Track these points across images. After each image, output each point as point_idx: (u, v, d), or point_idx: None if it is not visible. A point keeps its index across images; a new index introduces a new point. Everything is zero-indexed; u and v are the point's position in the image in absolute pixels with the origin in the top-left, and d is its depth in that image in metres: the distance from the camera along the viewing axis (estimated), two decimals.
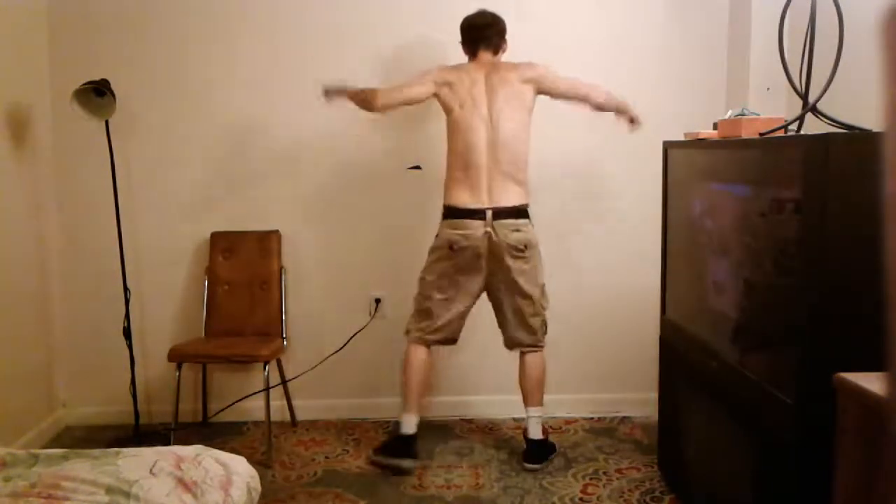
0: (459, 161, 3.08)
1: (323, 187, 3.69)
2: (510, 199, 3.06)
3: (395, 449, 3.17)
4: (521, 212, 3.09)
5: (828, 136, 1.91)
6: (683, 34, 3.63)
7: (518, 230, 3.07)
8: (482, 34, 3.15)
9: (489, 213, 3.03)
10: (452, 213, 3.08)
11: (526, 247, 3.09)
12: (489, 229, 3.03)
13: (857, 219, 1.80)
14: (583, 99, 3.18)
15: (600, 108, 3.20)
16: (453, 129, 3.10)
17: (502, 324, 3.23)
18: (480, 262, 3.08)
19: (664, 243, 3.00)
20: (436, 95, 3.12)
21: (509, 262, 3.08)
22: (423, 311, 3.19)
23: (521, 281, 3.12)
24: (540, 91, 3.14)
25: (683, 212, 2.83)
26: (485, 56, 3.15)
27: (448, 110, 3.12)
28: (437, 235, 3.16)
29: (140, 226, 3.65)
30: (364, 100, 3.09)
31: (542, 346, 3.23)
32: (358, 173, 3.66)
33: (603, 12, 3.63)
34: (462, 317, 3.20)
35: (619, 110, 3.21)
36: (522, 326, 3.18)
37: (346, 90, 3.09)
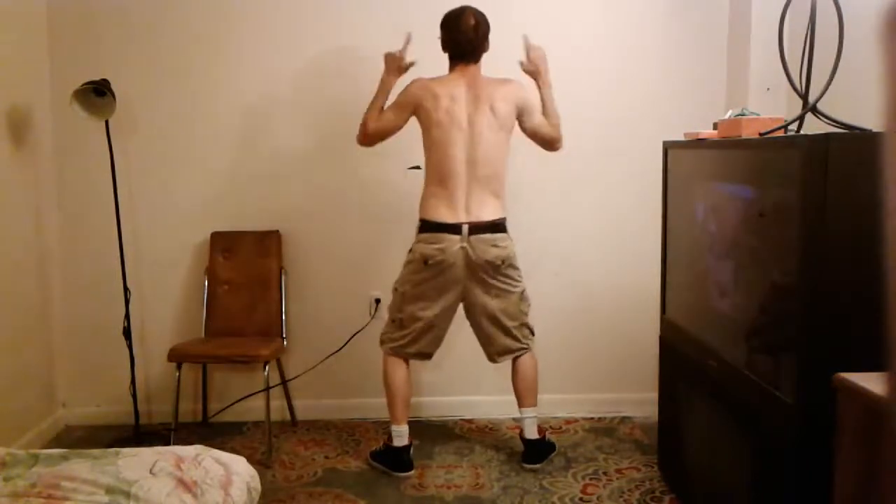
0: (437, 175, 3.04)
1: (323, 187, 3.69)
2: (488, 213, 3.03)
3: (392, 461, 3.17)
4: (498, 226, 3.05)
5: (828, 136, 1.91)
6: (683, 34, 3.62)
7: (496, 245, 3.03)
8: (466, 48, 3.05)
9: (465, 228, 2.99)
10: (428, 227, 3.04)
11: (503, 262, 3.06)
12: (465, 245, 3.00)
13: (857, 219, 1.80)
14: (548, 142, 3.18)
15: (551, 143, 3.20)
16: (431, 144, 3.05)
17: (484, 339, 3.20)
18: (456, 277, 3.04)
19: (664, 243, 2.99)
20: (412, 114, 3.09)
21: (487, 277, 3.05)
22: (396, 322, 3.16)
23: (501, 295, 3.10)
24: (518, 115, 3.11)
25: (683, 212, 2.83)
26: (467, 69, 3.07)
27: (425, 126, 3.07)
28: (410, 250, 3.12)
29: (140, 225, 3.65)
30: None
31: (529, 348, 3.22)
32: (358, 173, 3.66)
33: (603, 12, 3.63)
34: (438, 332, 3.17)
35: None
36: (507, 335, 3.16)
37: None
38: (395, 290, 3.17)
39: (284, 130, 3.65)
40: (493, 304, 3.12)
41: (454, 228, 3.00)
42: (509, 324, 3.15)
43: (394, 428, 3.18)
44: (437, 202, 3.04)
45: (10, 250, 3.28)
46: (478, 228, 3.01)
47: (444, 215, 3.02)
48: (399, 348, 3.17)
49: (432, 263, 3.02)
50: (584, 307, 3.74)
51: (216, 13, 3.59)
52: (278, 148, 3.66)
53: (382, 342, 3.23)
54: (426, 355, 3.22)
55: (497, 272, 3.06)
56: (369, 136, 3.14)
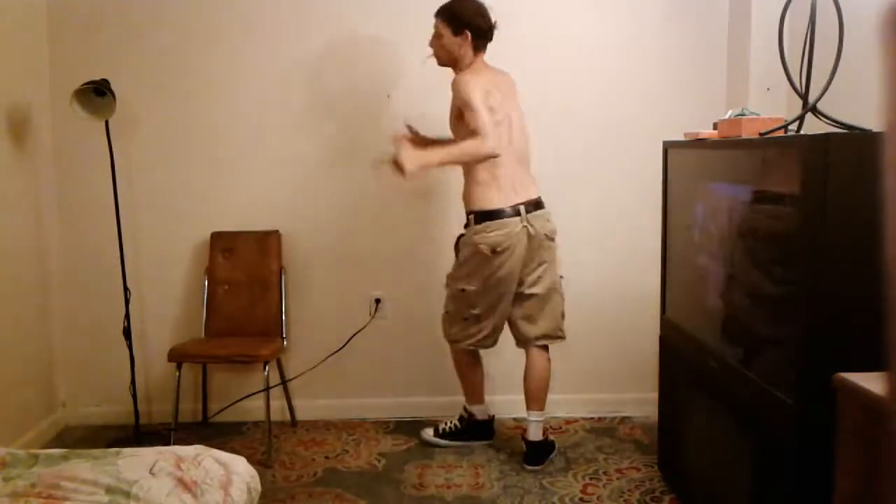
0: (485, 164, 3.01)
1: (323, 187, 3.69)
2: (532, 191, 3.11)
3: (477, 432, 3.37)
4: (542, 203, 3.14)
5: (828, 136, 1.91)
6: (683, 35, 3.62)
7: (548, 220, 3.14)
8: (489, 34, 3.10)
9: (522, 209, 3.04)
10: (487, 216, 3.03)
11: (554, 236, 3.16)
12: (525, 224, 3.04)
13: (857, 219, 1.80)
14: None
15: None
16: (470, 133, 2.99)
17: (522, 318, 3.18)
18: (519, 259, 3.06)
19: (664, 243, 3.00)
20: None
21: (542, 252, 3.11)
22: (469, 319, 3.16)
23: (551, 270, 3.16)
24: None
25: (683, 212, 2.83)
26: (483, 55, 3.12)
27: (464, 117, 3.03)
28: (462, 243, 3.12)
29: (140, 226, 3.64)
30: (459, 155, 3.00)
31: (563, 336, 3.24)
32: (358, 173, 3.65)
33: (603, 12, 3.63)
34: (505, 318, 3.20)
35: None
36: (547, 316, 3.18)
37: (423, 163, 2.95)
38: (462, 290, 3.14)
39: (284, 130, 3.65)
40: (544, 283, 3.15)
41: (512, 211, 3.04)
42: (555, 309, 3.20)
43: (477, 407, 3.36)
44: (487, 189, 3.04)
45: (9, 250, 3.27)
46: (531, 206, 3.08)
47: (499, 201, 3.04)
48: (477, 342, 3.21)
49: (501, 250, 3.03)
50: (584, 307, 3.73)
51: (216, 13, 3.59)
52: (278, 147, 3.66)
53: (457, 340, 3.23)
54: (495, 343, 3.26)
55: (551, 247, 3.14)
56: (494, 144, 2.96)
